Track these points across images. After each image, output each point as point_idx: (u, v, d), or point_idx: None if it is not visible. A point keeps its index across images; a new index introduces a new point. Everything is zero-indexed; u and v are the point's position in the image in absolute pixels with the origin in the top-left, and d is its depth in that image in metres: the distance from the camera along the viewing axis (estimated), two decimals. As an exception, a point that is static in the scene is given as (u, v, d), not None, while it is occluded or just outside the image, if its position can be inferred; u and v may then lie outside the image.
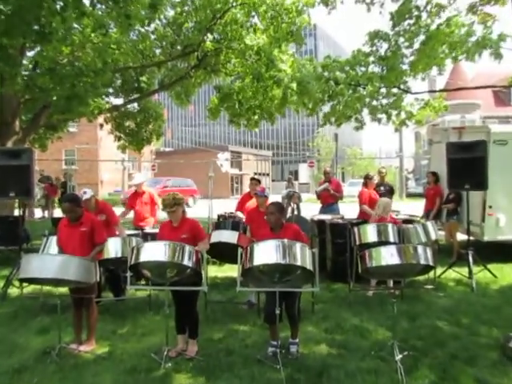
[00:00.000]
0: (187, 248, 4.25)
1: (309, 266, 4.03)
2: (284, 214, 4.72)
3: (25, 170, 7.14)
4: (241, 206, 7.32)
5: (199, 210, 16.91)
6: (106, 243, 5.06)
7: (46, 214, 18.35)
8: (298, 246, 4.06)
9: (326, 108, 13.08)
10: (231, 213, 9.15)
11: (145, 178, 8.52)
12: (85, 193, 6.22)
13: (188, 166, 43.80)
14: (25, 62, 10.75)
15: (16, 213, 12.18)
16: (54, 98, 9.79)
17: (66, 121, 13.78)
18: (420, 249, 4.35)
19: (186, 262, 4.23)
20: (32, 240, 9.62)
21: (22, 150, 7.39)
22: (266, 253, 4.05)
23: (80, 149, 35.61)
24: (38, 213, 17.98)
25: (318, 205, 10.15)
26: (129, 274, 4.44)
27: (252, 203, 6.62)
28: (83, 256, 4.57)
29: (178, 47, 13.09)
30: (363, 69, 11.35)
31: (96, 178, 34.54)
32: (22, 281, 5.05)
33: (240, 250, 4.26)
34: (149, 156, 38.30)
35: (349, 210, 10.73)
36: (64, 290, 6.20)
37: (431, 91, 14.02)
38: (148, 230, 7.59)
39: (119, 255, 5.79)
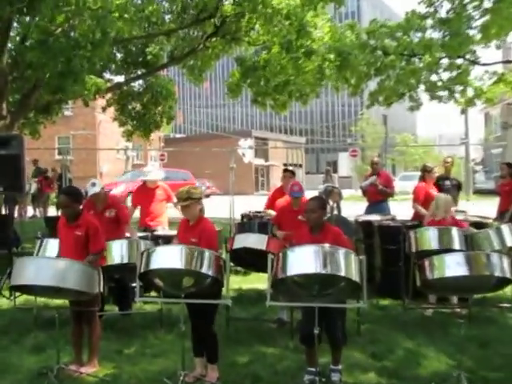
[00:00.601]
0: (207, 253, 4.31)
1: (355, 277, 4.03)
2: (326, 211, 4.74)
3: (14, 160, 7.35)
4: (272, 203, 7.37)
5: (218, 209, 17.05)
6: (106, 249, 5.18)
7: (38, 212, 18.81)
8: (341, 252, 4.06)
9: (373, 84, 12.98)
10: (258, 212, 9.22)
11: (163, 174, 8.69)
12: (93, 185, 6.37)
13: (204, 155, 44.10)
14: (12, 34, 11.00)
15: (4, 211, 12.57)
16: (47, 76, 10.01)
17: (59, 102, 14.08)
18: (494, 258, 4.25)
19: (205, 269, 4.28)
20: (22, 243, 9.88)
21: (11, 137, 7.62)
22: (303, 260, 4.07)
23: (76, 135, 36.37)
24: (29, 212, 18.46)
25: (363, 203, 10.11)
26: (138, 283, 4.53)
27: (283, 200, 6.66)
28: None
29: (191, 12, 13.11)
30: (419, 35, 11.17)
31: (94, 170, 35.10)
32: (13, 289, 5.21)
33: (270, 257, 4.29)
34: (157, 144, 38.69)
35: (401, 209, 10.65)
36: (61, 301, 6.39)
37: (506, 62, 13.71)
38: (160, 231, 7.70)
39: (125, 261, 5.91)
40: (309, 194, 6.60)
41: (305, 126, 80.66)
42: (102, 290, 4.96)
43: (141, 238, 6.65)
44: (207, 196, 30.44)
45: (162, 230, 7.90)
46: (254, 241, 6.20)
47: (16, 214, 15.56)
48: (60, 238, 5.08)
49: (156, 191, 8.06)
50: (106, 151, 35.42)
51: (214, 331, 4.77)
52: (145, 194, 8.10)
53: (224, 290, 4.51)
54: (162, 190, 8.16)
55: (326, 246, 4.11)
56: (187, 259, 4.24)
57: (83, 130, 36.03)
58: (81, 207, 5.13)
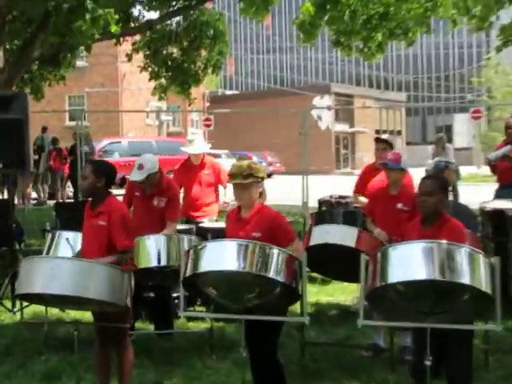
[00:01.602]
0: (275, 252, 4.35)
1: (484, 287, 3.98)
2: (447, 196, 4.71)
3: (16, 128, 7.62)
4: (362, 186, 7.33)
5: (283, 193, 17.04)
6: (132, 249, 5.28)
7: (43, 196, 19.47)
8: (465, 251, 4.02)
9: (506, 17, 12.57)
10: (342, 197, 9.20)
11: (209, 145, 8.81)
12: (141, 166, 6.49)
13: (264, 119, 44.27)
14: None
15: (1, 195, 13.07)
16: (53, 13, 10.29)
17: (71, 49, 14.41)
18: None
19: (272, 273, 4.33)
20: (25, 237, 10.28)
21: (11, 97, 7.89)
22: (412, 262, 4.04)
23: (92, 94, 37.21)
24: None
25: (491, 185, 9.89)
26: (181, 292, 4.62)
27: (378, 181, 6.61)
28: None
29: None
30: None
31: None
32: (18, 298, 5.43)
33: (364, 258, 4.28)
34: (200, 104, 39.07)
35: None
36: (79, 313, 6.63)
37: None
38: (207, 223, 7.83)
39: (164, 263, 6.04)
40: (413, 173, 6.55)
41: (406, 77, 79.27)
42: (132, 301, 5.08)
43: (183, 231, 6.78)
44: (269, 175, 30.59)
45: (211, 221, 8.01)
46: (339, 235, 6.21)
47: (16, 199, 16.13)
48: (83, 230, 5.25)
49: (203, 171, 8.17)
50: (131, 114, 36.16)
51: (277, 361, 4.82)
52: (188, 173, 8.22)
53: (299, 303, 4.55)
54: (211, 168, 8.25)
55: (444, 242, 4.06)
56: (250, 259, 4.31)
57: (102, 87, 36.74)
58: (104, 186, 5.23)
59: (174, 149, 18.69)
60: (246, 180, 4.75)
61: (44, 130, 19.87)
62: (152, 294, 6.98)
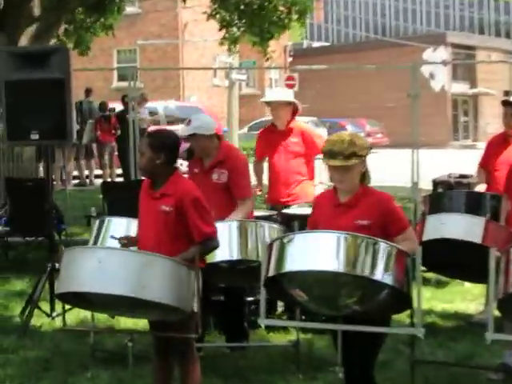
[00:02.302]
0: (383, 246, 4.33)
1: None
2: None
3: (56, 90, 7.79)
4: (488, 161, 7.18)
5: (389, 171, 16.92)
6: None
7: (88, 174, 19.85)
8: None
9: None
10: (463, 176, 9.04)
11: (290, 94, 8.71)
12: (189, 122, 6.59)
13: (360, 77, 43.80)
14: None
15: (37, 173, 13.38)
16: None
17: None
18: None
19: (379, 274, 4.31)
20: (66, 225, 10.51)
21: (50, 52, 8.04)
22: None
23: (145, 47, 37.60)
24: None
25: None
26: (262, 296, 4.62)
27: (507, 155, 6.51)
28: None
29: None
30: None
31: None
32: (59, 299, 5.54)
33: (494, 253, 4.22)
34: (280, 59, 39.01)
35: None
36: (131, 321, 6.72)
37: None
38: (295, 208, 7.83)
39: (237, 257, 6.09)
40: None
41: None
42: (199, 308, 5.10)
43: (263, 218, 6.80)
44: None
45: (300, 207, 7.96)
46: (460, 228, 6.19)
47: (54, 179, 16.51)
48: (140, 215, 5.31)
49: (288, 139, 8.12)
50: (194, 73, 36.36)
51: (373, 380, 4.81)
52: (271, 141, 8.20)
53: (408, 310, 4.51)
54: (299, 135, 8.18)
55: None
56: (352, 256, 4.30)
57: (158, 39, 37.08)
58: (174, 167, 5.27)
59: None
60: (349, 161, 4.68)
61: (88, 92, 20.18)
62: (222, 298, 7.03)
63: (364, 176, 4.85)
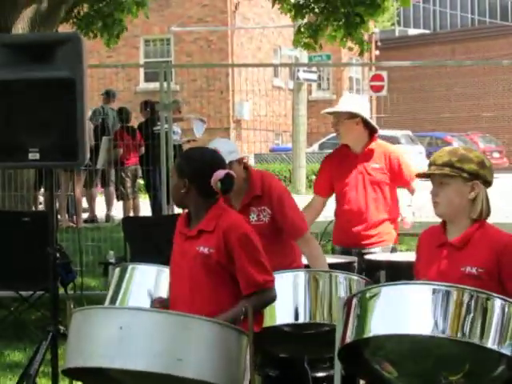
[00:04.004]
0: (499, 304, 4.34)
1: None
2: None
3: (63, 93, 7.82)
4: None
5: (507, 199, 16.84)
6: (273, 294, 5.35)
7: (107, 209, 19.88)
8: None
9: None
10: None
11: (366, 104, 8.74)
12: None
13: (472, 75, 43.25)
14: None
15: (40, 207, 13.43)
16: None
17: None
18: None
19: (492, 341, 4.30)
20: (76, 275, 10.58)
21: (56, 41, 8.09)
22: None
23: (182, 36, 37.86)
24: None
25: None
26: (337, 369, 4.66)
27: None
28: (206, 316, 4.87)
29: None
30: None
31: (223, 114, 36.39)
32: (68, 376, 5.58)
33: None
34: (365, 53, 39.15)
35: None
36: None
37: None
38: (379, 253, 7.89)
39: (304, 320, 6.11)
40: None
41: None
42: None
43: (335, 266, 6.83)
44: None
45: (385, 251, 8.03)
46: None
47: (59, 213, 16.62)
48: (172, 261, 5.39)
49: (367, 164, 8.13)
50: (249, 71, 36.42)
51: None
52: (342, 168, 8.23)
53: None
54: (383, 158, 8.19)
55: None
56: (453, 316, 4.30)
57: (200, 25, 37.29)
58: (215, 197, 5.30)
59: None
60: (441, 170, 4.82)
61: (109, 96, 20.05)
62: (274, 373, 7.00)
63: (475, 206, 4.89)
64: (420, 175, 5.06)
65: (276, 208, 6.70)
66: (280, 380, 6.99)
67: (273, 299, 5.29)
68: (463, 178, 4.80)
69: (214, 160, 5.35)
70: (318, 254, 6.87)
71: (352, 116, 8.02)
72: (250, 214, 6.68)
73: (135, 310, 5.30)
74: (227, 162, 6.21)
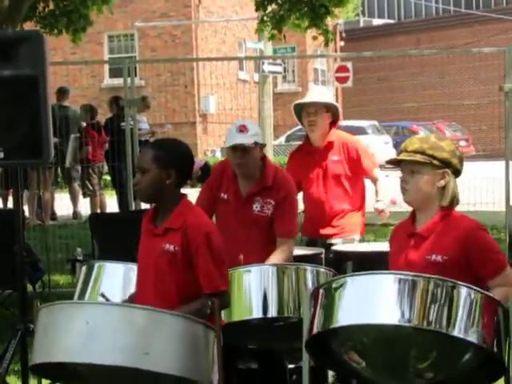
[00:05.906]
0: (465, 292, 4.38)
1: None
2: None
3: (27, 91, 7.79)
4: None
5: (476, 189, 16.93)
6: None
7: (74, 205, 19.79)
8: None
9: None
10: None
11: (331, 95, 8.73)
12: (244, 127, 6.57)
13: (437, 64, 43.34)
14: None
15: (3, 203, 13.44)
16: None
17: None
18: None
19: (458, 330, 4.33)
20: (45, 272, 10.54)
21: (18, 40, 8.06)
22: None
23: (146, 31, 37.77)
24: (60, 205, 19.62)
25: None
26: (305, 362, 4.69)
27: None
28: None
29: None
30: None
31: (188, 109, 36.28)
32: (35, 372, 5.56)
33: None
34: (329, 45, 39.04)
35: None
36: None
37: None
38: (343, 244, 7.93)
39: (273, 313, 6.09)
40: None
41: None
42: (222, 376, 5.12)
43: (302, 258, 6.87)
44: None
45: (347, 242, 8.08)
46: None
47: (27, 211, 16.60)
48: (139, 258, 5.39)
49: (329, 157, 8.14)
50: (213, 64, 36.35)
51: None
52: (306, 162, 8.24)
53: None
54: (341, 149, 8.19)
55: None
56: (421, 306, 4.33)
57: (164, 19, 37.18)
58: (182, 193, 5.31)
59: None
60: (411, 157, 4.87)
61: (62, 94, 19.65)
62: (254, 366, 7.06)
63: (445, 193, 4.94)
64: (390, 161, 5.08)
65: (279, 205, 6.73)
66: (252, 372, 7.00)
67: (226, 306, 5.32)
68: (434, 165, 4.85)
69: (189, 150, 5.38)
70: (290, 254, 6.84)
71: (328, 109, 8.06)
72: (253, 203, 6.71)
73: (102, 305, 5.36)
74: (252, 142, 6.48)
